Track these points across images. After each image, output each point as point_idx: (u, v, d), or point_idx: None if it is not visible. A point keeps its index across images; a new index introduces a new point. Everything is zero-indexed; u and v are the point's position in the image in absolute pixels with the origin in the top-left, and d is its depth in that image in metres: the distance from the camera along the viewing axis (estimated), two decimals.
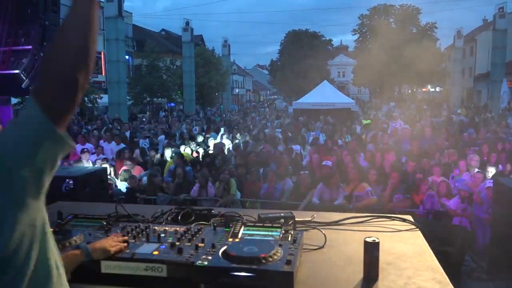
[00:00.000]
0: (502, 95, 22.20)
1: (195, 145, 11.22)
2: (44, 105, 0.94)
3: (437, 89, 55.22)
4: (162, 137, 13.28)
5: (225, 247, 1.67)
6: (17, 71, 4.49)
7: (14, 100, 18.31)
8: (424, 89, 57.47)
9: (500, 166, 7.93)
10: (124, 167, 8.46)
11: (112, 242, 1.73)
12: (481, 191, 6.70)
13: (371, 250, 1.62)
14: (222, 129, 14.52)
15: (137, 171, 8.58)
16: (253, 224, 2.03)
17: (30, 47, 4.58)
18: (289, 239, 1.79)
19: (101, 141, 11.83)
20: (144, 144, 11.77)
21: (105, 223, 2.08)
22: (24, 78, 4.49)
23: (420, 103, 35.06)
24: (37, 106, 0.93)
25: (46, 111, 0.93)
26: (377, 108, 28.09)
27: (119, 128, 15.12)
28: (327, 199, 6.87)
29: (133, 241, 1.81)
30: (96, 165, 8.50)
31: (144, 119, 21.43)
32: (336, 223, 2.27)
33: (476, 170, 7.47)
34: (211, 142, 11.71)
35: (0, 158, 0.92)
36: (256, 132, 14.08)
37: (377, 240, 1.63)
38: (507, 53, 28.55)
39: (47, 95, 0.95)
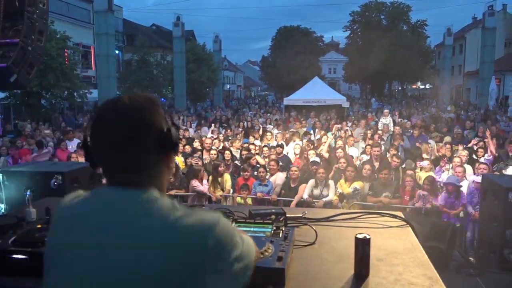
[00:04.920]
0: (490, 92, 22.50)
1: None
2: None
3: (427, 86, 55.70)
4: None
5: None
6: (4, 65, 4.41)
7: (1, 95, 18.00)
8: (414, 86, 57.95)
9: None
10: None
11: None
12: (467, 185, 6.79)
13: (362, 246, 1.62)
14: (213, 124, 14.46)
15: None
16: (244, 220, 2.02)
17: (17, 40, 4.51)
18: (280, 235, 1.78)
19: None
20: None
21: None
22: (12, 72, 4.41)
23: (410, 99, 35.30)
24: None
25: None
26: (367, 105, 28.22)
27: None
28: (317, 195, 6.89)
29: None
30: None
31: None
32: (327, 219, 2.27)
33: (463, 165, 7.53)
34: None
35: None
36: (248, 126, 14.05)
37: (368, 237, 1.63)
38: (496, 51, 28.89)
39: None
